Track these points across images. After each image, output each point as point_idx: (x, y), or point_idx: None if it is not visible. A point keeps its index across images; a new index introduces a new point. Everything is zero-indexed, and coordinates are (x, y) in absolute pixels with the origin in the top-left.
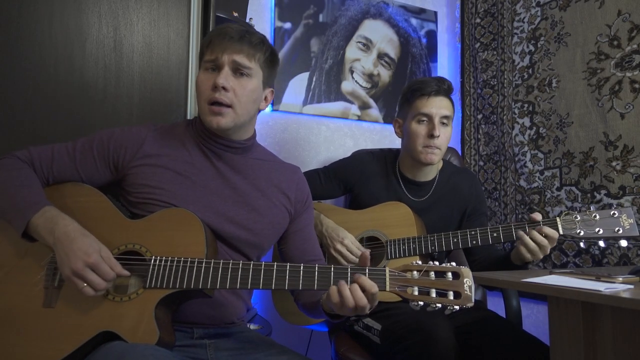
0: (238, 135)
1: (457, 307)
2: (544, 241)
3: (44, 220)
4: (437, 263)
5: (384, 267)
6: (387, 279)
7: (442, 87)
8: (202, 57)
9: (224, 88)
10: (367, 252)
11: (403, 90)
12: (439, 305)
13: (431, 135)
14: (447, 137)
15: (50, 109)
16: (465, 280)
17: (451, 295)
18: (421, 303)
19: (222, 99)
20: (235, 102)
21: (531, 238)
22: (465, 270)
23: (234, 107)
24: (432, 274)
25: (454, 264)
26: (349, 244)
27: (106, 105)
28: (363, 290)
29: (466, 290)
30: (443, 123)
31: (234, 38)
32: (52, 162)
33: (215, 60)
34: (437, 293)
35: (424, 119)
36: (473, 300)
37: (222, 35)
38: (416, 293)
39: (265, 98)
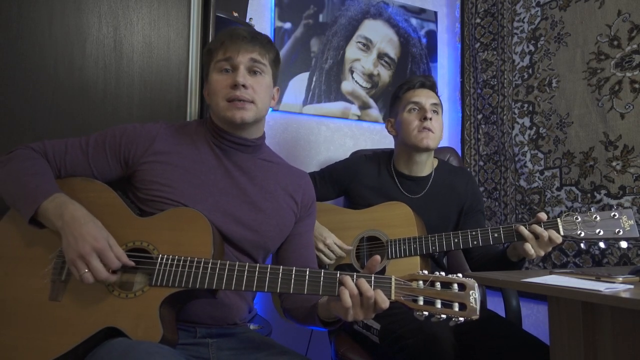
0: (251, 133)
1: (462, 319)
2: (545, 235)
3: (54, 205)
4: (442, 274)
5: (388, 274)
6: (393, 288)
7: (428, 80)
8: (210, 59)
9: (243, 86)
10: (377, 257)
11: (391, 93)
12: (444, 316)
13: (424, 118)
14: (439, 123)
15: (50, 109)
16: (471, 293)
17: (456, 307)
18: (426, 313)
19: (243, 96)
20: (256, 97)
21: (532, 232)
22: (472, 282)
23: (255, 102)
24: (438, 285)
25: (460, 275)
26: (331, 244)
27: (106, 105)
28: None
29: (472, 303)
30: (434, 111)
31: (246, 38)
32: (65, 155)
33: (229, 60)
34: (442, 304)
35: (415, 107)
36: (478, 312)
37: (234, 36)
38: (421, 303)
39: (273, 96)
